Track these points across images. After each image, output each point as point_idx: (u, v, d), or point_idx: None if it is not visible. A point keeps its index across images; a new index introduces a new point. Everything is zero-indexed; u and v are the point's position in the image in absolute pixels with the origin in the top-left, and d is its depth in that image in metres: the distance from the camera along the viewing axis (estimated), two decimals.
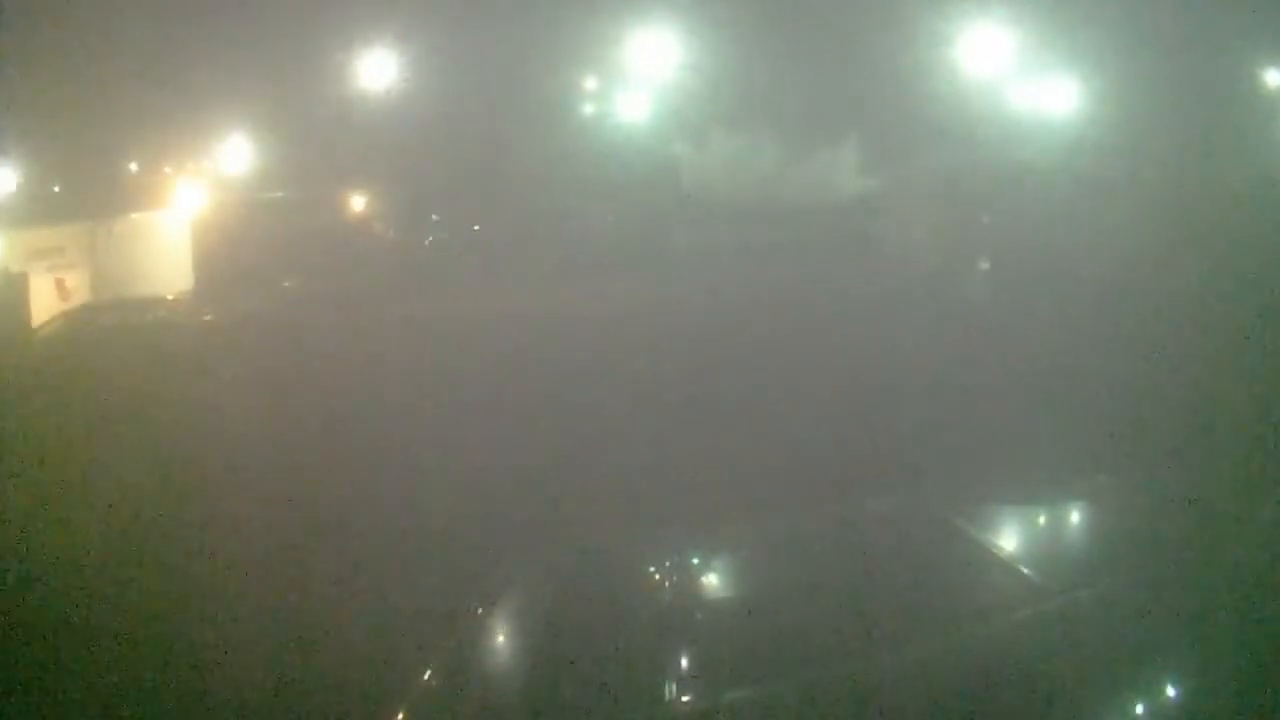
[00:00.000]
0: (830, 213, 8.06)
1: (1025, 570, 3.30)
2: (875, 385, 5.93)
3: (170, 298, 11.55)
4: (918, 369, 6.07)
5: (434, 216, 10.61)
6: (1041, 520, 3.94)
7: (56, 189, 12.47)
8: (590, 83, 8.99)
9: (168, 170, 12.63)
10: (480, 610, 3.27)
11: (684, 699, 2.80)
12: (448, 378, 6.39)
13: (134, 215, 12.91)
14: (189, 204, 12.17)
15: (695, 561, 3.60)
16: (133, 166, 12.92)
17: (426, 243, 10.48)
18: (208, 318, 10.20)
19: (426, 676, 2.95)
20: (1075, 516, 4.01)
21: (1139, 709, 2.71)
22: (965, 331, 6.29)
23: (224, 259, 10.70)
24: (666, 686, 2.83)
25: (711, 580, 3.62)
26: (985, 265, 7.49)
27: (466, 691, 3.00)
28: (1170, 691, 2.76)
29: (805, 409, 5.74)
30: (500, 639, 3.27)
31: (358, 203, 10.95)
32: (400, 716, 2.82)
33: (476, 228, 9.91)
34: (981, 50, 6.85)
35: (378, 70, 8.92)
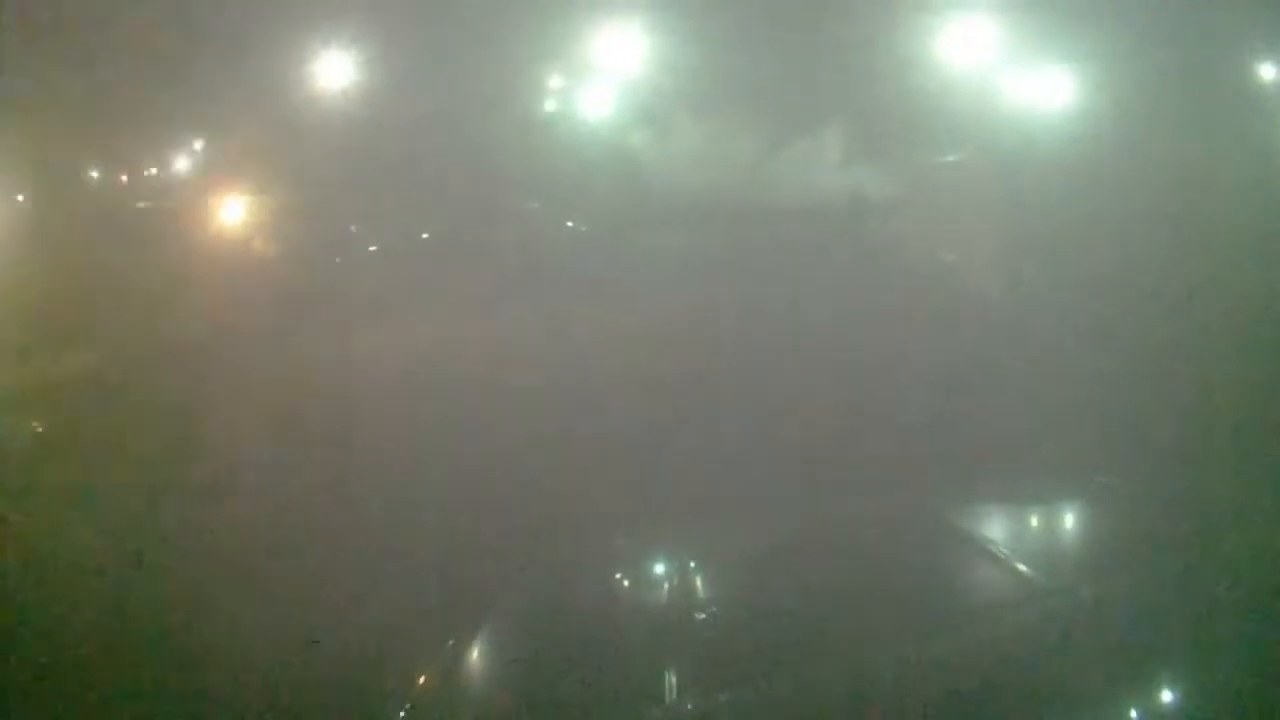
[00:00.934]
0: (823, 212, 7.86)
1: (1025, 570, 3.31)
2: (873, 385, 5.91)
3: None
4: (916, 369, 6.06)
5: (351, 228, 8.72)
6: (1041, 520, 3.95)
7: None
8: (552, 73, 8.05)
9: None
10: (479, 611, 3.27)
11: (684, 699, 2.80)
12: (441, 381, 6.30)
13: None
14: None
15: (695, 561, 3.60)
16: None
17: (336, 260, 8.48)
18: None
19: (426, 677, 2.95)
20: (1075, 516, 4.01)
21: (1139, 709, 2.71)
22: (963, 331, 6.27)
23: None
24: (666, 687, 2.83)
25: (711, 580, 3.62)
26: (984, 265, 7.47)
27: (466, 692, 3.01)
28: (1170, 691, 2.76)
29: (803, 409, 5.72)
30: (500, 639, 3.27)
31: (246, 212, 8.81)
32: (400, 717, 2.82)
33: (425, 236, 8.55)
34: (980, 37, 6.74)
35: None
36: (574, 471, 5.32)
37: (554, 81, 8.10)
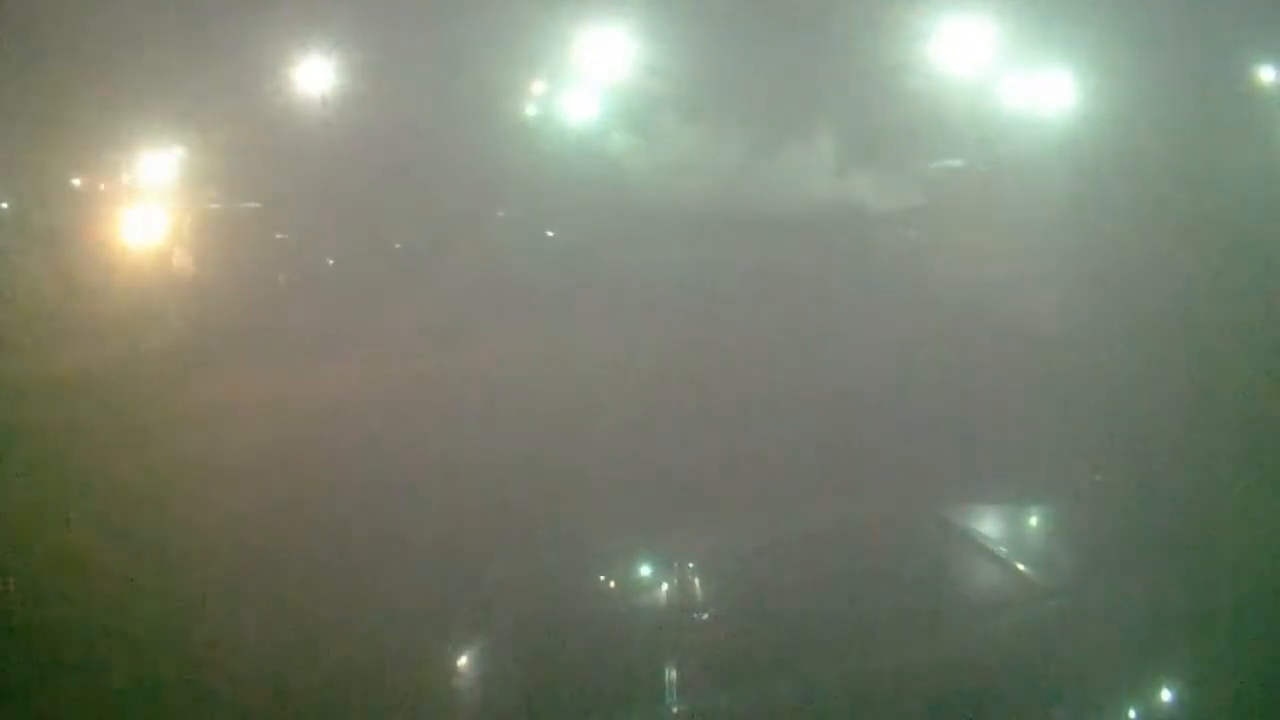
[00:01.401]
0: (817, 218, 7.79)
1: (1025, 570, 3.31)
2: (874, 386, 5.92)
3: None
4: (917, 370, 6.06)
5: (328, 238, 7.83)
6: (1041, 520, 3.95)
7: None
8: (532, 77, 7.57)
9: None
10: (479, 611, 3.28)
11: (683, 699, 2.80)
12: (439, 387, 6.27)
13: None
14: None
15: (694, 563, 3.61)
16: None
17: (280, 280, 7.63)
18: None
19: (426, 677, 2.96)
20: (1075, 516, 4.01)
21: (1139, 709, 2.71)
22: (963, 332, 6.27)
23: None
24: (666, 687, 2.83)
25: (711, 581, 3.62)
26: (983, 266, 7.47)
27: (466, 692, 3.01)
28: (1170, 691, 2.76)
29: (803, 410, 5.72)
30: (500, 640, 3.27)
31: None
32: (400, 717, 2.83)
33: (398, 246, 7.94)
34: (978, 40, 6.72)
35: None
36: (573, 475, 5.33)
37: (538, 87, 7.77)
